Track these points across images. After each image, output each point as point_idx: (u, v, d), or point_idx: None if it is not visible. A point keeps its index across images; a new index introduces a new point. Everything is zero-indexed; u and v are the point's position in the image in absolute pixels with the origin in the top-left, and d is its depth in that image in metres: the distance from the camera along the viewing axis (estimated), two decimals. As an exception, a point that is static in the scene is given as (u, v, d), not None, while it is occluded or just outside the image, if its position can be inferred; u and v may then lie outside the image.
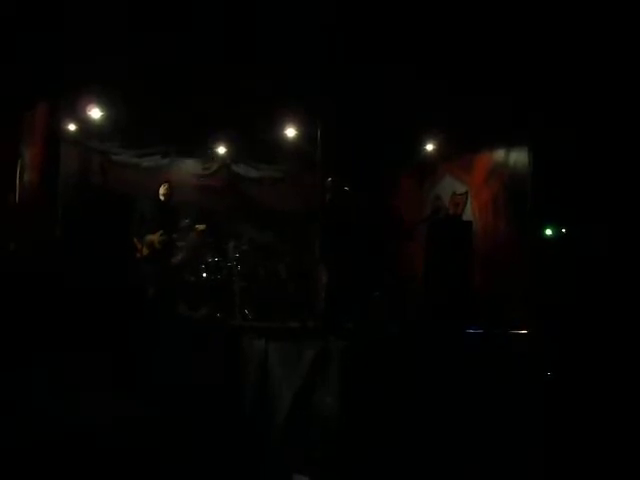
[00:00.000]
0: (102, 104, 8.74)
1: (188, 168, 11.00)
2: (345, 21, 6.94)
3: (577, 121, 7.61)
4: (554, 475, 5.52)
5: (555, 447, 5.65)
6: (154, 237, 8.60)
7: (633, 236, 7.25)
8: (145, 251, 8.53)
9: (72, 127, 9.47)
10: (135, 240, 8.60)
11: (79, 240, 8.88)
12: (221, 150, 10.70)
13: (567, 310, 7.16)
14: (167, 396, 5.61)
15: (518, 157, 8.92)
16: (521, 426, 5.76)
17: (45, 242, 7.55)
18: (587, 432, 5.64)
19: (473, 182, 9.81)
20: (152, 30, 6.99)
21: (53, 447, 5.02)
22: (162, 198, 8.76)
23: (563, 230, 8.27)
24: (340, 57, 7.42)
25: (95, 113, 8.86)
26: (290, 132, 9.65)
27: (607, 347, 6.33)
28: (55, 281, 6.18)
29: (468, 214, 9.76)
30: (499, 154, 9.32)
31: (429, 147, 9.99)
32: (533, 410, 5.83)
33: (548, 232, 8.35)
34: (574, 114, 7.60)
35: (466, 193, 9.91)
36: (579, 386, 5.95)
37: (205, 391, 5.76)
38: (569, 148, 7.76)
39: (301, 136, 9.64)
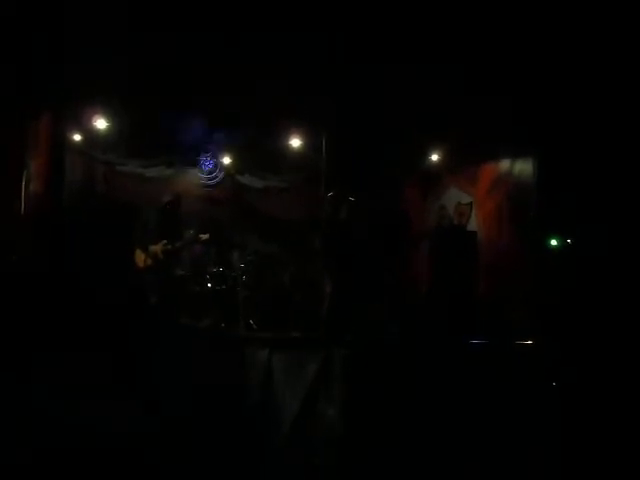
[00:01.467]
0: (107, 114, 8.76)
1: (192, 178, 11.02)
2: (350, 24, 6.94)
3: (582, 131, 7.60)
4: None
5: (559, 455, 5.62)
6: (157, 247, 8.62)
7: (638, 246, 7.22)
8: (149, 261, 8.55)
9: (77, 137, 9.50)
10: (139, 250, 8.62)
11: (83, 249, 8.89)
12: (226, 160, 10.71)
13: (572, 319, 7.13)
14: (169, 406, 5.60)
15: (522, 167, 8.91)
16: (525, 434, 5.74)
17: (49, 251, 7.55)
18: (592, 440, 5.61)
19: (478, 193, 9.79)
20: (156, 37, 7.01)
21: (53, 448, 5.01)
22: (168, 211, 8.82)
23: (568, 240, 8.23)
24: (346, 66, 7.43)
25: (100, 123, 8.88)
26: (295, 142, 9.65)
27: (613, 356, 6.30)
28: (57, 284, 6.18)
29: (473, 224, 9.74)
30: (504, 165, 9.30)
31: (434, 157, 9.98)
32: (537, 418, 5.81)
33: (553, 242, 8.32)
34: (579, 124, 7.59)
35: (471, 203, 9.90)
36: (584, 395, 5.92)
37: (208, 401, 5.74)
38: (574, 158, 7.74)
39: (306, 146, 9.64)
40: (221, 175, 11.02)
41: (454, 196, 10.22)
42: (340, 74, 7.54)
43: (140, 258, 8.63)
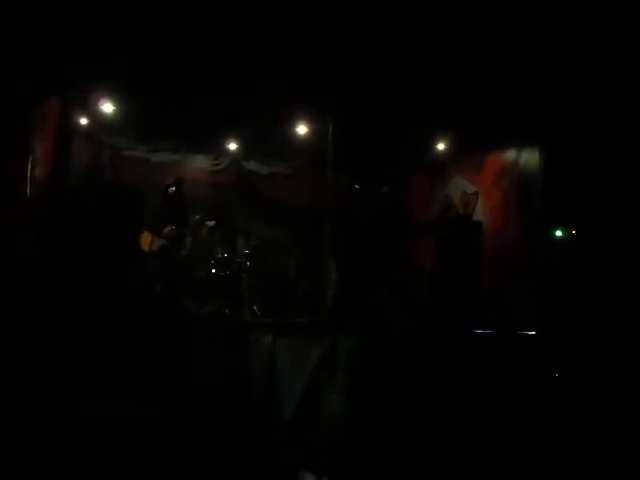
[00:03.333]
0: (114, 99, 8.74)
1: (198, 164, 11.04)
2: (356, 17, 6.92)
3: (589, 123, 7.58)
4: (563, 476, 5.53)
5: (563, 447, 5.65)
6: (164, 232, 8.63)
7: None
8: (154, 246, 8.57)
9: (84, 121, 9.49)
10: (146, 234, 8.64)
11: (89, 234, 8.91)
12: (232, 146, 10.70)
13: (576, 311, 7.14)
14: (173, 391, 5.64)
15: (529, 158, 8.89)
16: (528, 427, 5.76)
17: (54, 236, 7.57)
18: (594, 433, 5.63)
19: (483, 182, 9.76)
20: (164, 25, 6.99)
21: (55, 448, 5.05)
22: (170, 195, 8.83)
23: (573, 232, 8.23)
24: (351, 53, 7.41)
25: (107, 108, 8.86)
26: (301, 128, 9.63)
27: (616, 348, 6.31)
28: (61, 276, 6.20)
29: (478, 214, 9.74)
30: (509, 155, 9.28)
31: (440, 146, 9.96)
32: (540, 410, 5.84)
33: (558, 233, 8.31)
34: (586, 114, 7.56)
35: (476, 193, 9.88)
36: (588, 387, 5.94)
37: (211, 387, 5.78)
38: (580, 149, 7.72)
39: (312, 132, 9.62)
40: (227, 161, 11.05)
41: (459, 185, 10.21)
42: (346, 63, 7.52)
43: (146, 242, 8.65)
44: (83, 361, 5.42)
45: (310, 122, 9.41)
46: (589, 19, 6.83)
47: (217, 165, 11.10)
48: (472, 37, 7.10)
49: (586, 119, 7.53)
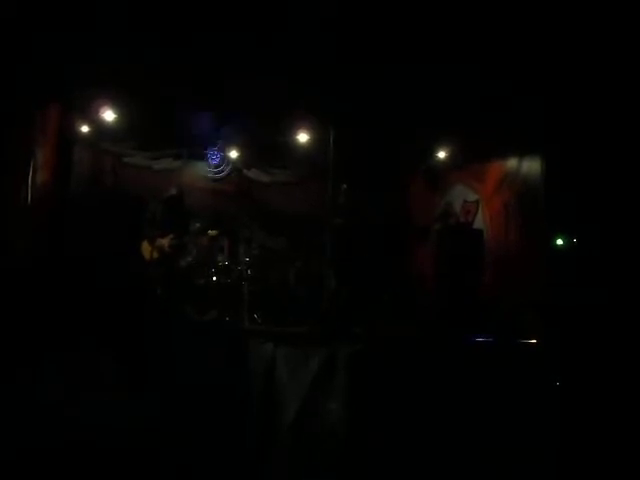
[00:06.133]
0: (115, 105, 8.75)
1: (200, 171, 11.06)
2: (358, 24, 6.94)
3: (592, 130, 7.57)
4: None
5: (563, 455, 5.63)
6: (164, 241, 8.62)
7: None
8: (155, 254, 8.56)
9: (85, 128, 9.50)
10: (146, 243, 8.63)
11: (89, 241, 8.90)
12: (233, 154, 10.72)
13: (577, 319, 7.12)
14: (172, 398, 5.63)
15: (531, 166, 8.89)
16: (528, 434, 5.75)
17: (55, 242, 7.56)
18: (596, 440, 5.62)
19: (485, 190, 9.77)
20: (165, 32, 7.01)
21: (58, 447, 5.04)
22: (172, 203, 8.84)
23: (574, 240, 8.22)
24: (352, 60, 7.42)
25: (108, 115, 8.87)
26: (302, 137, 9.65)
27: (617, 357, 6.30)
28: (62, 281, 6.21)
29: (479, 222, 9.73)
30: (511, 163, 9.28)
31: (441, 154, 9.97)
32: (541, 418, 5.82)
33: (559, 241, 8.30)
34: (589, 123, 7.56)
35: (477, 201, 9.88)
36: (589, 395, 5.92)
37: (211, 394, 5.76)
38: (583, 157, 7.72)
39: (313, 140, 9.63)
40: (228, 169, 11.07)
41: (460, 193, 10.21)
42: (348, 72, 7.53)
43: (147, 250, 8.64)
44: (82, 365, 5.42)
45: (311, 130, 9.43)
46: (588, 29, 6.85)
47: (218, 173, 11.12)
48: (475, 45, 7.11)
49: (588, 127, 7.52)
